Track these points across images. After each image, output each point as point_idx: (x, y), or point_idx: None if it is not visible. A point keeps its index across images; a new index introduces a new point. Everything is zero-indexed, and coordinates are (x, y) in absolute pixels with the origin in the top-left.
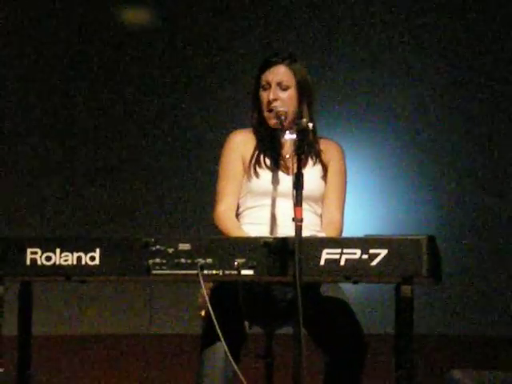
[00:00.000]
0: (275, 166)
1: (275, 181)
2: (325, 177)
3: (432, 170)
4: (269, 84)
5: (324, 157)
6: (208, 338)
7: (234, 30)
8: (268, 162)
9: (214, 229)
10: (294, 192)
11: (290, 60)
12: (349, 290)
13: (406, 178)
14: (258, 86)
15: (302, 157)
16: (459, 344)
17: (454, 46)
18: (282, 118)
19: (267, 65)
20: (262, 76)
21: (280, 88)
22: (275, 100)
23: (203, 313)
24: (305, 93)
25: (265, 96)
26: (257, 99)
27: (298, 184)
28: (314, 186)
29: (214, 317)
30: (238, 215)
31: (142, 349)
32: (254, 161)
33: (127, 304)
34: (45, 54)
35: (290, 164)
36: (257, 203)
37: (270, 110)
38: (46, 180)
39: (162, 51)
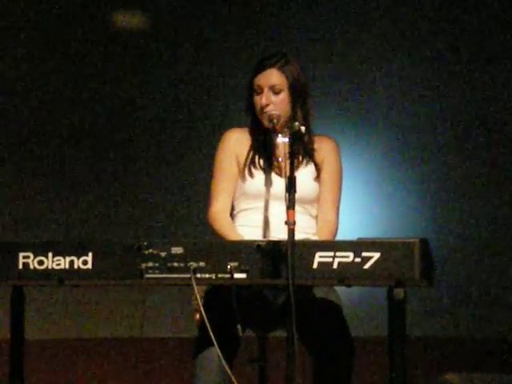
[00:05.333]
0: (269, 168)
1: (268, 183)
2: (318, 177)
3: (425, 174)
4: (261, 88)
5: (317, 156)
6: (201, 343)
7: (231, 28)
8: (262, 163)
9: (209, 228)
10: (287, 195)
11: (282, 62)
12: (342, 293)
13: (399, 181)
14: (251, 89)
15: (295, 160)
16: (452, 346)
17: (453, 47)
18: (275, 121)
19: (259, 68)
20: (254, 80)
21: (272, 92)
22: (267, 105)
23: (198, 316)
24: (298, 94)
25: (258, 100)
26: (250, 102)
27: (291, 187)
28: (306, 187)
29: (207, 321)
30: (232, 216)
31: (135, 353)
32: (248, 162)
33: (120, 308)
34: (43, 56)
35: (283, 166)
36: (250, 205)
37: (264, 114)
38: (39, 185)
39: (159, 51)
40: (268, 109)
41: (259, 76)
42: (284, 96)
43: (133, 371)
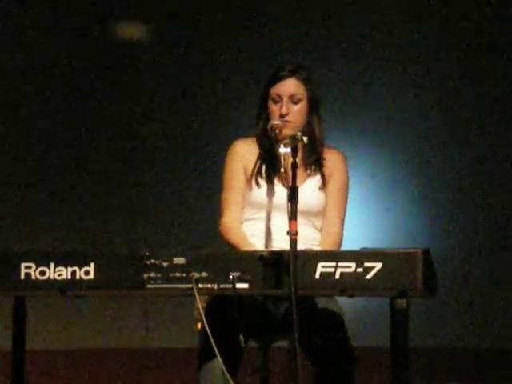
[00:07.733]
0: (274, 179)
1: (272, 193)
2: (323, 188)
3: (428, 184)
4: (280, 97)
5: (325, 167)
6: (205, 354)
7: (236, 38)
8: (267, 174)
9: (221, 239)
10: (289, 205)
11: (301, 72)
12: (344, 303)
13: (401, 191)
14: (265, 97)
15: (299, 170)
16: (454, 357)
17: (453, 54)
18: (277, 131)
19: (278, 78)
20: (271, 88)
21: (291, 101)
22: (287, 114)
23: (199, 326)
24: (315, 104)
25: (275, 109)
26: (263, 109)
27: (293, 197)
28: (311, 199)
29: (209, 332)
30: None
31: (138, 363)
32: (255, 171)
33: (122, 318)
34: (45, 65)
35: (287, 177)
36: (255, 216)
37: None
38: (41, 195)
39: (164, 62)
40: (287, 118)
41: (278, 85)
42: (303, 106)
43: (136, 382)
